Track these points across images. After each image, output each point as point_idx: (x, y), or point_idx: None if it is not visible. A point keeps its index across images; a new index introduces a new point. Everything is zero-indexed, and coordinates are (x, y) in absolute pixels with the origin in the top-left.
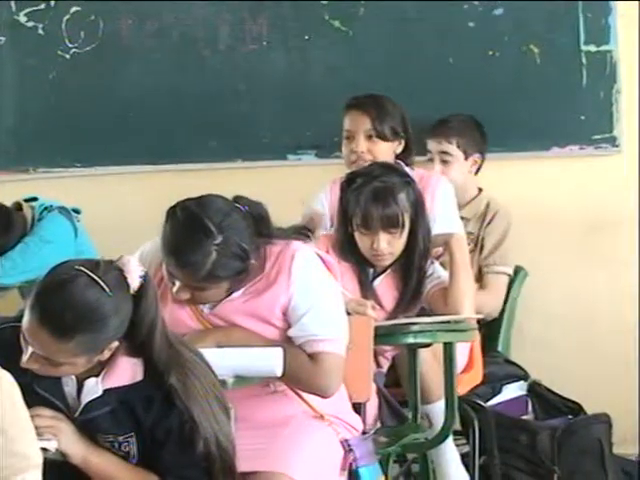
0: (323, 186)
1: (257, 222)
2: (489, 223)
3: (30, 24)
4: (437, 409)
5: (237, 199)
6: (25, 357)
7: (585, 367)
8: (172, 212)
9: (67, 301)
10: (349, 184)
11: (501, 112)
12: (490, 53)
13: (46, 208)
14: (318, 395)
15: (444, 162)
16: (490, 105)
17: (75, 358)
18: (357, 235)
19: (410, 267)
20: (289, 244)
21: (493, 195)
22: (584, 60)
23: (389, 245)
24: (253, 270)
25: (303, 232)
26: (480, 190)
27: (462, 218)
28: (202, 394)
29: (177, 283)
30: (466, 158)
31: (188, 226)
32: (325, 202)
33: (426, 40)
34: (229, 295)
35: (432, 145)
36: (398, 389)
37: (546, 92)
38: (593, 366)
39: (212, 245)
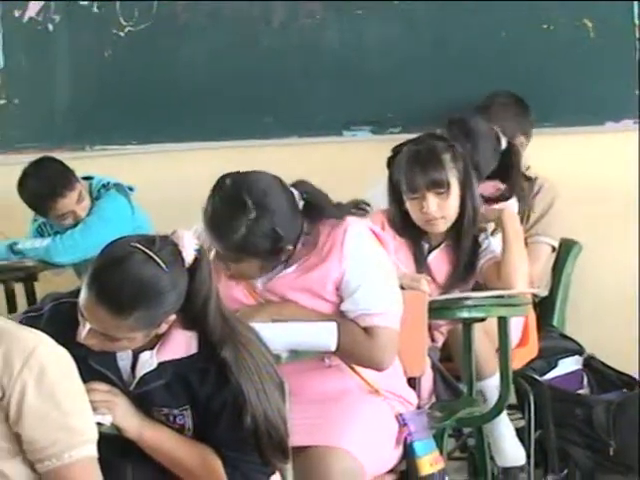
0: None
1: (312, 210)
2: (535, 196)
3: (85, 3)
4: (490, 385)
5: (298, 184)
6: (83, 333)
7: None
8: (220, 181)
9: (124, 278)
10: (394, 157)
11: (555, 86)
12: (544, 27)
13: (104, 185)
14: (373, 369)
15: None
16: (544, 79)
17: (133, 333)
18: (408, 205)
19: (461, 237)
20: (342, 219)
21: (539, 170)
22: (638, 34)
23: (439, 208)
24: (306, 246)
25: (362, 207)
26: (528, 167)
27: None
28: (253, 369)
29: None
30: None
31: (227, 198)
32: None
33: (479, 14)
34: (279, 271)
35: None
36: (452, 364)
37: (600, 66)
38: None
39: (244, 220)
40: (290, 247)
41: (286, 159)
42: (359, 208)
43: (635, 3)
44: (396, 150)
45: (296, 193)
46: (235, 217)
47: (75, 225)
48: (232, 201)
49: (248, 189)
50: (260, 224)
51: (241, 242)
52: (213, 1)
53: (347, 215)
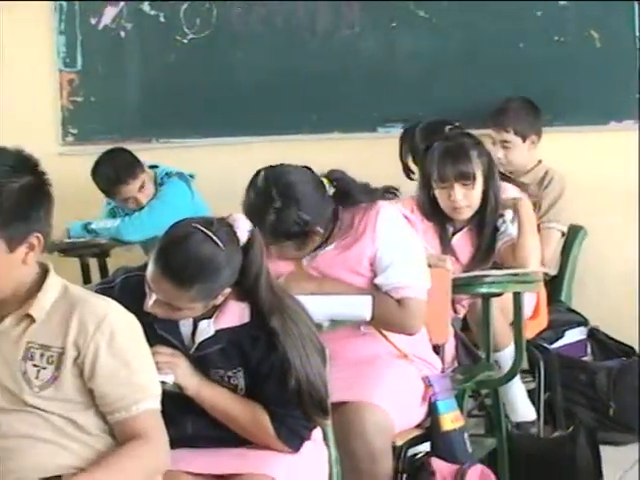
0: None
1: (342, 195)
2: (546, 187)
3: (152, 13)
4: (505, 355)
5: (329, 173)
6: (149, 302)
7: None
8: (255, 176)
9: (186, 255)
10: (426, 149)
11: (565, 91)
12: (555, 39)
13: (167, 174)
14: (405, 334)
15: (505, 148)
16: (556, 84)
17: (194, 303)
18: (437, 193)
19: (483, 223)
20: (375, 203)
21: (552, 164)
22: (638, 44)
23: (465, 198)
24: (342, 228)
25: (392, 191)
26: (540, 161)
27: (523, 183)
28: (298, 337)
29: None
30: (524, 141)
31: (258, 190)
32: None
33: (499, 28)
34: (321, 249)
35: (493, 133)
36: (472, 333)
37: (605, 73)
38: None
39: (271, 209)
40: (319, 229)
41: (327, 152)
42: (390, 192)
43: (636, 17)
44: (428, 144)
45: (326, 182)
46: (264, 207)
47: (138, 209)
48: (261, 193)
49: (275, 181)
50: (286, 212)
51: (273, 229)
52: (265, 10)
53: (379, 199)
